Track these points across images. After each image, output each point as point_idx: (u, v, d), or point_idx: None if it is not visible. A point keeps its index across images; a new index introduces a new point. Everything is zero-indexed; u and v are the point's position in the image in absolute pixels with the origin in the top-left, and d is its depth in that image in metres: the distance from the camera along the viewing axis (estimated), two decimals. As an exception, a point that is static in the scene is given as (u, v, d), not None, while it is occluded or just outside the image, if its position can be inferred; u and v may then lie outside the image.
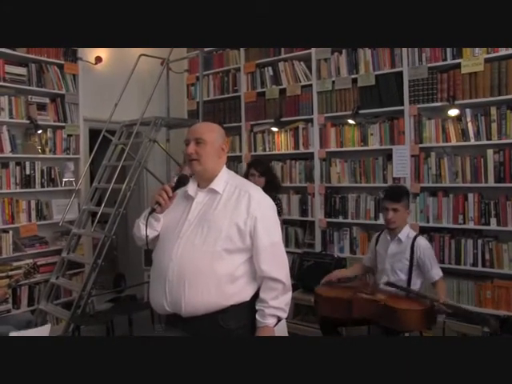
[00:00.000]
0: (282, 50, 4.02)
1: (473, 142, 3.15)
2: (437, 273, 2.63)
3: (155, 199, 1.75)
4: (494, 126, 3.07)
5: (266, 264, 1.69)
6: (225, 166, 1.84)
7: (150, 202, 1.81)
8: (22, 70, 3.74)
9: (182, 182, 1.80)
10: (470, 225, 3.16)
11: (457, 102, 3.18)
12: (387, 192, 2.87)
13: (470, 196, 3.15)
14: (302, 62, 3.93)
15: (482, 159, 3.11)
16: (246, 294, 1.71)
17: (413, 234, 2.75)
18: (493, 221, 3.07)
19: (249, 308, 1.71)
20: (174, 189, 1.76)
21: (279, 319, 1.73)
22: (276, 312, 1.70)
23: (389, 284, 2.62)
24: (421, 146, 3.35)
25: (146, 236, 1.75)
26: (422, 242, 2.70)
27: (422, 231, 3.34)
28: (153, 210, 1.74)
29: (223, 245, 1.65)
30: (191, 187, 1.80)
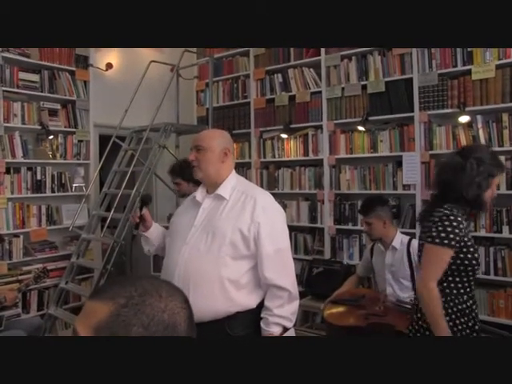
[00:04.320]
0: (292, 56, 4.04)
1: (484, 148, 3.12)
2: None
3: (131, 223, 2.00)
4: (506, 132, 3.04)
5: (270, 271, 1.66)
6: (234, 171, 1.84)
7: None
8: (35, 77, 3.79)
9: (144, 201, 2.03)
10: (482, 232, 3.12)
11: (467, 109, 3.16)
12: (360, 206, 2.83)
13: (482, 203, 3.12)
14: (311, 69, 3.94)
15: (494, 166, 3.08)
16: (251, 301, 1.70)
17: (406, 239, 2.70)
18: (505, 228, 3.03)
19: (255, 315, 1.70)
20: (140, 209, 1.95)
21: (285, 328, 1.70)
22: (280, 321, 1.67)
23: (399, 302, 2.57)
24: (431, 152, 3.32)
25: (131, 255, 1.96)
26: (416, 244, 2.66)
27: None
28: (136, 228, 1.96)
29: (227, 251, 1.65)
30: (199, 193, 1.82)
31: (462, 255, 1.71)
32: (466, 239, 1.71)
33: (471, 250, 1.73)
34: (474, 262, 1.73)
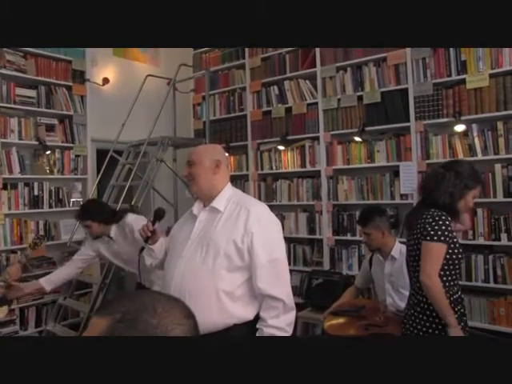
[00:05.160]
0: (288, 68, 4.07)
1: (480, 157, 3.14)
2: None
3: (140, 235, 1.88)
4: (501, 140, 3.06)
5: (264, 282, 1.65)
6: (229, 183, 1.84)
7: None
8: (32, 92, 3.81)
9: (158, 215, 1.94)
10: (480, 240, 3.12)
11: (463, 118, 3.18)
12: (359, 217, 2.86)
13: (479, 211, 3.12)
14: (307, 81, 3.97)
15: (490, 174, 3.09)
16: (248, 314, 1.69)
17: (405, 248, 2.70)
18: (503, 236, 3.04)
19: (252, 327, 1.68)
20: (153, 223, 1.87)
21: None
22: (276, 332, 1.65)
23: (399, 312, 2.56)
24: (428, 162, 3.33)
25: (139, 268, 1.93)
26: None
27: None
28: (146, 241, 1.87)
29: (222, 263, 1.65)
30: (196, 206, 1.83)
31: (450, 250, 1.97)
32: (452, 235, 1.98)
33: (457, 245, 2.00)
34: (460, 256, 2.00)
